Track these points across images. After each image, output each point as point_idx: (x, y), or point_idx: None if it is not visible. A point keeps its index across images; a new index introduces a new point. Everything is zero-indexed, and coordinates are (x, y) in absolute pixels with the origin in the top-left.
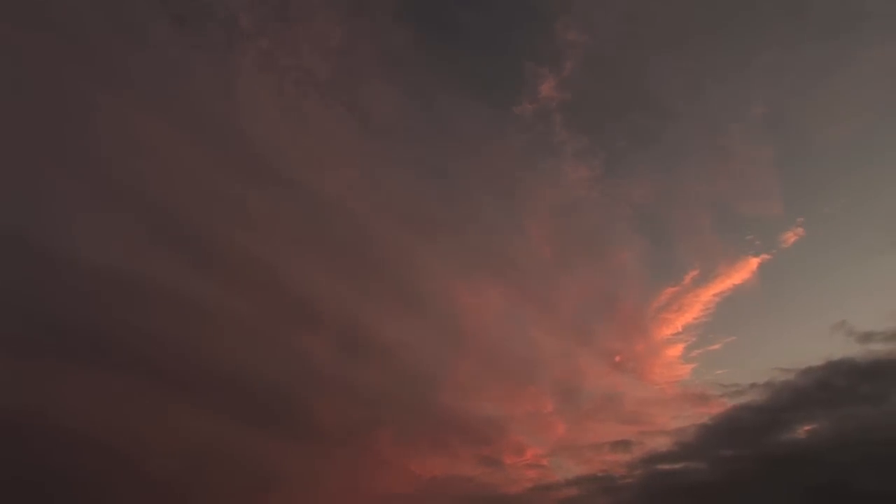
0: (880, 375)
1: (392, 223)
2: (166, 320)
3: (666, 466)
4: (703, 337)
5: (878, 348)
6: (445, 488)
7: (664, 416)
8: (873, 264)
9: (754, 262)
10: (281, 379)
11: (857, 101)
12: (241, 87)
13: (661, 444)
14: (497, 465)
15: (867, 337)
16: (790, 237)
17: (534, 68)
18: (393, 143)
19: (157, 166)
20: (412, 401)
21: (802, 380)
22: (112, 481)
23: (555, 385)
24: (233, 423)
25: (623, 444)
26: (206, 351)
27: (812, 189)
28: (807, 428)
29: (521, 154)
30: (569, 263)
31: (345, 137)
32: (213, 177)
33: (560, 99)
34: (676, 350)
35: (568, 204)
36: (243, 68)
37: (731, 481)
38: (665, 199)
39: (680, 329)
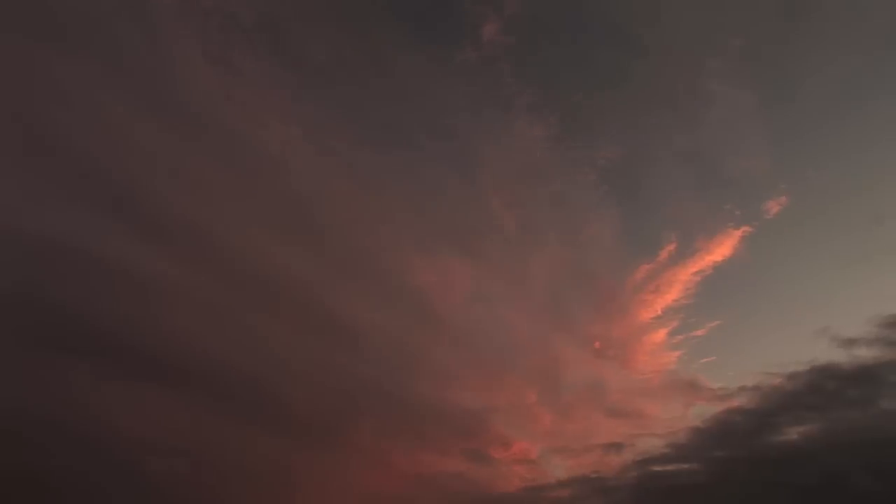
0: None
1: (340, 189)
2: (110, 293)
3: (658, 468)
4: (686, 321)
5: (863, 353)
6: (433, 486)
7: (653, 407)
8: (855, 268)
9: (736, 235)
10: (242, 362)
11: (851, 35)
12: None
13: (654, 445)
14: (485, 460)
15: (851, 342)
16: (773, 206)
17: (473, 6)
18: (330, 93)
19: (80, 117)
20: (389, 389)
21: (791, 384)
22: (62, 462)
23: (534, 373)
24: (190, 409)
25: (616, 447)
26: (158, 328)
27: (799, 146)
28: (799, 429)
29: (468, 110)
30: (535, 237)
31: (279, 87)
32: (141, 129)
33: (505, 44)
34: (659, 336)
35: (527, 169)
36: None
37: (724, 482)
38: (634, 157)
39: (660, 312)
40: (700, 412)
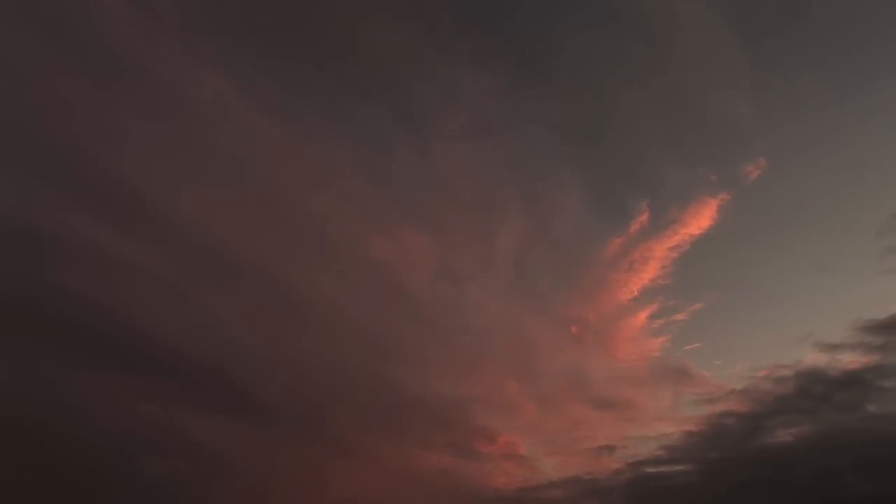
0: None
1: (279, 148)
2: (54, 267)
3: (652, 469)
4: (666, 304)
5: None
6: (419, 483)
7: (641, 397)
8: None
9: (713, 205)
10: (205, 346)
11: None
12: None
13: (647, 446)
14: (471, 455)
15: (835, 348)
16: (752, 170)
17: None
18: (266, 46)
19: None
20: (364, 376)
21: (779, 387)
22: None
23: (512, 360)
24: (158, 399)
25: (608, 449)
26: (106, 306)
27: (783, 91)
28: (790, 431)
29: (409, 60)
30: (494, 205)
31: (211, 36)
32: (64, 82)
33: None
34: (639, 320)
35: (477, 127)
36: None
37: (718, 484)
38: (596, 109)
39: (636, 293)
40: (690, 402)
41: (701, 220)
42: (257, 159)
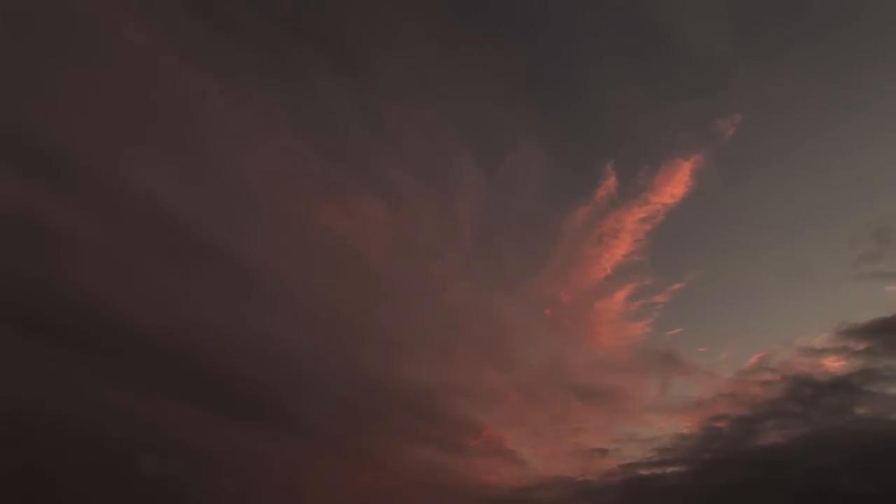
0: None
1: (213, 104)
2: None
3: (645, 472)
4: (643, 285)
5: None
6: (405, 478)
7: (626, 386)
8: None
9: (685, 168)
10: (164, 328)
11: None
12: None
13: (640, 449)
14: (455, 449)
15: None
16: (727, 127)
17: None
18: None
19: None
20: (332, 361)
21: (769, 391)
22: None
23: (486, 346)
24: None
25: (600, 452)
26: (53, 282)
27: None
28: (782, 433)
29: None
30: (448, 170)
31: None
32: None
33: None
34: (616, 302)
35: (420, 79)
36: None
37: (710, 485)
38: (551, 53)
39: (610, 271)
40: (680, 391)
41: (674, 186)
42: (193, 118)
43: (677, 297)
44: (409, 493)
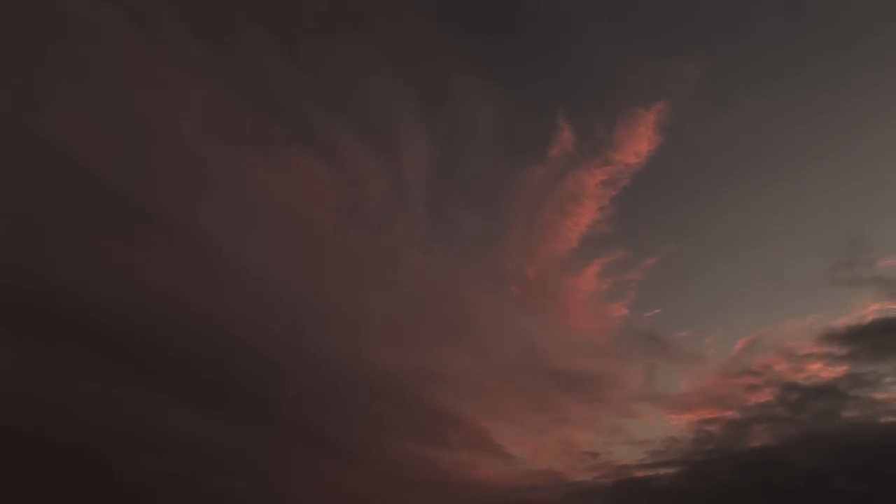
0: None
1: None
2: None
3: (639, 473)
4: (614, 259)
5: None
6: (392, 473)
7: (609, 373)
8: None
9: (648, 120)
10: (117, 303)
11: None
12: None
13: (630, 447)
14: (438, 441)
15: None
16: (692, 69)
17: None
18: None
19: None
20: (298, 343)
21: (756, 395)
22: None
23: (453, 326)
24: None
25: (592, 455)
26: None
27: None
28: (772, 437)
29: None
30: (389, 124)
31: None
32: None
33: None
34: (587, 280)
35: (346, 17)
36: None
37: (703, 486)
38: None
39: (576, 243)
40: (664, 378)
41: (637, 142)
42: (112, 71)
43: (652, 275)
44: (388, 490)
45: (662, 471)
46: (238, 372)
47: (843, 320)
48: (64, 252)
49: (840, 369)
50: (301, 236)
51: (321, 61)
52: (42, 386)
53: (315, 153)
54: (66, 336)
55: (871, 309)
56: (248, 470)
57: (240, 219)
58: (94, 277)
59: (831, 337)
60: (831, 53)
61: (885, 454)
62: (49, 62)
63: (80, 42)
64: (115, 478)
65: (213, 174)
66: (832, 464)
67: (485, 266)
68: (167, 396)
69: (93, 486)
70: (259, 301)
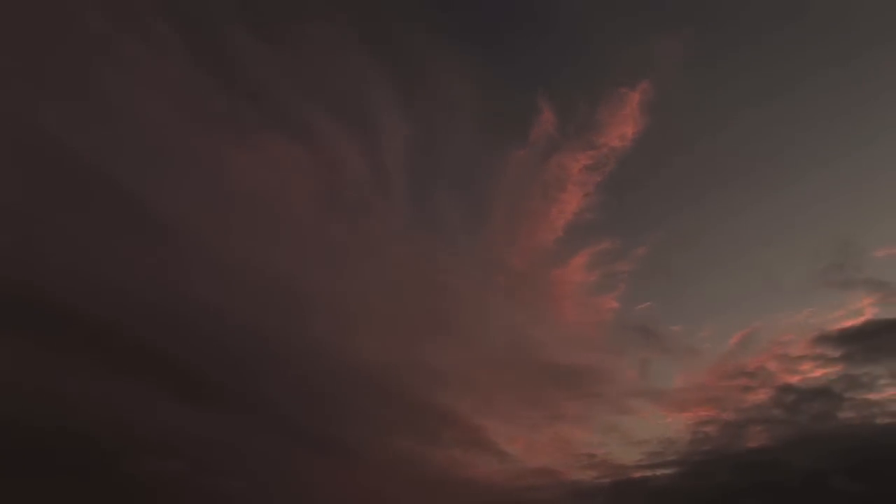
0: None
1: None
2: None
3: (638, 474)
4: (600, 249)
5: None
6: (387, 471)
7: (602, 368)
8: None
9: (633, 101)
10: (88, 296)
11: None
12: None
13: (627, 446)
14: (430, 438)
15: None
16: (674, 46)
17: None
18: None
19: None
20: (278, 335)
21: (752, 396)
22: None
23: (440, 318)
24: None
25: (588, 455)
26: None
27: None
28: (769, 437)
29: None
30: (363, 107)
31: None
32: None
33: None
34: (574, 271)
35: None
36: None
37: (701, 486)
38: None
39: (561, 232)
40: (658, 373)
41: (621, 124)
42: (76, 49)
43: (642, 265)
44: (383, 488)
45: (660, 471)
46: (223, 364)
47: (837, 321)
48: (41, 241)
49: (833, 371)
50: (280, 224)
51: (294, 42)
52: (26, 378)
53: (291, 137)
54: (43, 328)
55: (864, 310)
56: (236, 467)
57: (217, 206)
58: (69, 264)
59: (825, 339)
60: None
61: (881, 455)
62: (11, 42)
63: (43, 20)
64: (95, 469)
65: (186, 158)
66: (830, 464)
67: (469, 256)
68: (149, 389)
69: (69, 477)
70: (241, 290)
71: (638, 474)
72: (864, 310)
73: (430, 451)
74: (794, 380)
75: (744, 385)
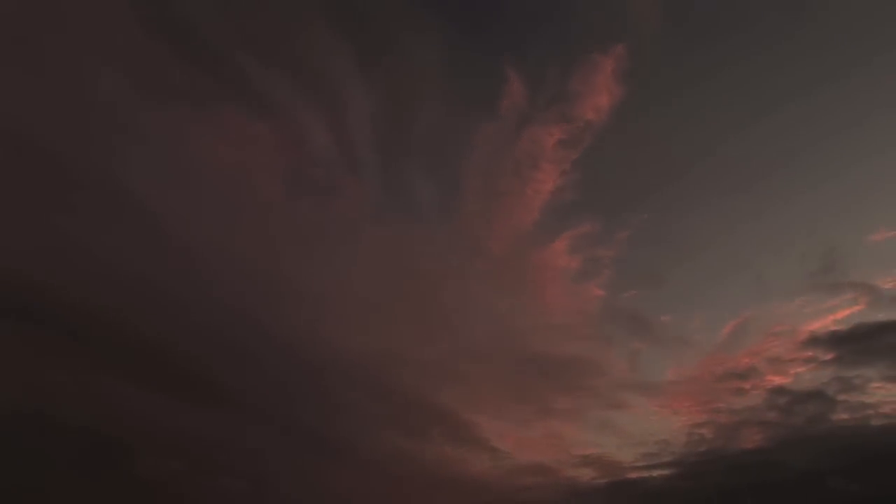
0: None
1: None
2: None
3: (632, 475)
4: (580, 232)
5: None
6: (378, 468)
7: (591, 359)
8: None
9: (607, 68)
10: (67, 280)
11: None
12: None
13: (626, 450)
14: (418, 433)
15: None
16: (653, 10)
17: None
18: None
19: None
20: (251, 322)
21: (744, 399)
22: None
23: (421, 304)
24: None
25: (583, 457)
26: None
27: None
28: (764, 439)
29: None
30: (329, 80)
31: None
32: None
33: None
34: (555, 255)
35: None
36: None
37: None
38: None
39: (537, 213)
40: (649, 365)
41: (596, 95)
42: (22, 18)
43: (626, 250)
44: (373, 486)
45: (656, 472)
46: (190, 350)
47: (828, 314)
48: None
49: (825, 374)
50: (245, 204)
51: (253, 9)
52: None
53: (251, 110)
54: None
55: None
56: (215, 462)
57: (176, 183)
58: (19, 243)
59: (816, 341)
60: None
61: (876, 455)
62: None
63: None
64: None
65: (140, 133)
66: (826, 466)
67: (446, 240)
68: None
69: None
70: (206, 273)
71: (633, 475)
72: (853, 312)
73: (422, 448)
74: (785, 381)
75: (736, 387)
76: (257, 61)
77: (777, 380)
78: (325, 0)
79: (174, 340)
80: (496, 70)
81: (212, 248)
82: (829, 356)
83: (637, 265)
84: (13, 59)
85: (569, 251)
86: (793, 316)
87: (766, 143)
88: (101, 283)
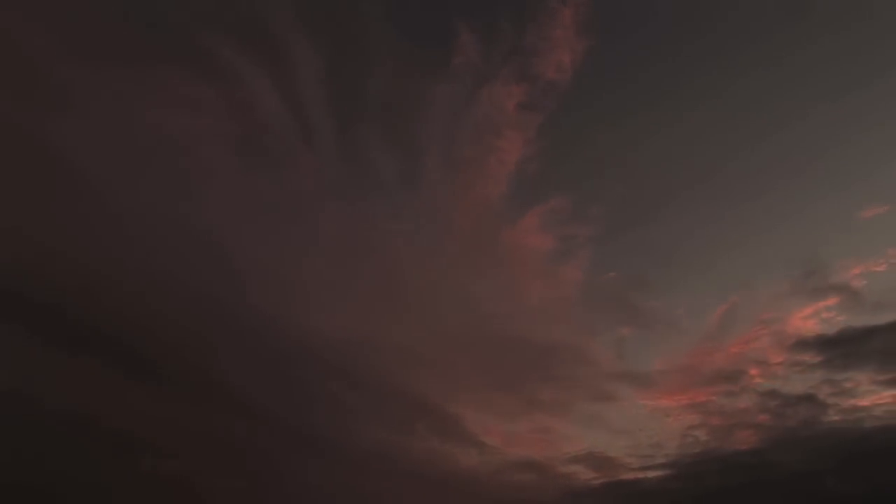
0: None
1: None
2: None
3: (630, 476)
4: (550, 207)
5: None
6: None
7: (575, 344)
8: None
9: (566, 19)
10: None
11: None
12: None
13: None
14: (402, 426)
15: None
16: None
17: None
18: None
19: None
20: (221, 305)
21: (736, 401)
22: None
23: (383, 287)
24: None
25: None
26: None
27: None
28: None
29: None
30: (274, 38)
31: None
32: None
33: None
34: (526, 233)
35: None
36: None
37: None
38: None
39: (504, 187)
40: (635, 352)
41: (556, 50)
42: None
43: (601, 227)
44: (360, 483)
45: (651, 473)
46: (142, 329)
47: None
48: None
49: (814, 377)
50: (192, 173)
51: None
52: None
53: (193, 70)
54: None
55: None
56: (189, 454)
57: (117, 150)
58: None
59: (803, 345)
60: None
61: (872, 458)
62: None
63: None
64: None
65: (76, 97)
66: (821, 468)
67: (410, 215)
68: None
69: None
70: (154, 245)
71: (628, 476)
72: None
73: (408, 443)
74: (776, 384)
75: (726, 391)
76: (198, 17)
77: (766, 382)
78: None
79: (118, 322)
80: (444, 20)
81: (160, 220)
82: (817, 359)
83: (614, 244)
84: None
85: (540, 229)
86: (783, 302)
87: (759, 100)
88: (32, 262)
